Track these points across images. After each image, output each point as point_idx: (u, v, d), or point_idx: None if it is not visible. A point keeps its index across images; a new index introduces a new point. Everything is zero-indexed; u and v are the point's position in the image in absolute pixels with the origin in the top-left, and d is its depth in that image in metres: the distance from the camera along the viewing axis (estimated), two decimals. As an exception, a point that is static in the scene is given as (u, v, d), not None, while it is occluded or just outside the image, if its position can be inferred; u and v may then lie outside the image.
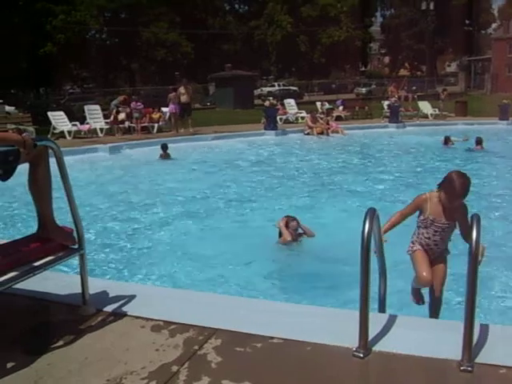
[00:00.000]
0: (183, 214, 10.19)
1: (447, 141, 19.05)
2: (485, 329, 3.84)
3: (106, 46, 59.03)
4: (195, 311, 4.38)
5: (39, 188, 4.15)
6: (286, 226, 7.73)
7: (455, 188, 4.25)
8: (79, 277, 4.30)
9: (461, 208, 4.36)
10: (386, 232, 4.41)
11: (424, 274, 4.53)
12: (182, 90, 22.87)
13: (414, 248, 4.60)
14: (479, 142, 17.49)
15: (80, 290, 4.32)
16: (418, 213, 4.63)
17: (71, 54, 47.01)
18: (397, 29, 78.37)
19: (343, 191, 12.19)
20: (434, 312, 4.74)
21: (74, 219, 4.17)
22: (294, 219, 7.83)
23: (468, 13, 70.18)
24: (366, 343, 3.61)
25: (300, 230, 7.86)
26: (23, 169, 3.98)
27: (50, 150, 4.07)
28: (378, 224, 3.94)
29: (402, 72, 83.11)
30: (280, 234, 7.77)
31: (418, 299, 4.97)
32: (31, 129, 19.54)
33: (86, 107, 23.81)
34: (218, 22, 64.01)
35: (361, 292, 3.60)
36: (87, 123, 22.36)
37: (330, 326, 4.03)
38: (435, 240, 4.45)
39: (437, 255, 4.59)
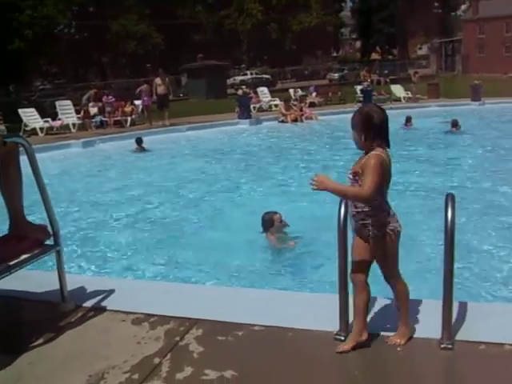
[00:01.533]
0: (160, 206, 10.14)
1: (409, 121, 19.35)
2: (463, 306, 3.89)
3: (75, 41, 58.34)
4: (175, 303, 4.37)
5: (11, 186, 4.10)
6: (272, 224, 7.53)
7: None
8: (56, 274, 4.26)
9: (364, 159, 3.45)
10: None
11: None
12: (158, 81, 22.34)
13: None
14: (455, 124, 17.62)
15: (58, 287, 4.29)
16: None
17: (40, 49, 46.41)
18: (367, 13, 78.54)
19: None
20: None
21: (49, 215, 4.13)
22: (276, 213, 7.69)
23: (437, -5, 70.70)
24: (346, 326, 3.64)
25: (284, 221, 7.69)
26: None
27: (21, 148, 4.02)
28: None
29: (374, 56, 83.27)
30: (266, 229, 7.58)
31: None
32: (2, 127, 19.28)
33: (57, 103, 23.49)
34: (187, 12, 63.57)
35: (339, 276, 3.61)
36: (59, 119, 22.07)
37: (311, 311, 4.04)
38: (351, 204, 3.54)
39: (358, 227, 3.53)
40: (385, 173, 3.37)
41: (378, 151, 3.40)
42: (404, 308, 3.59)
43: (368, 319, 3.66)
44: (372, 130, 3.43)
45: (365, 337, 3.52)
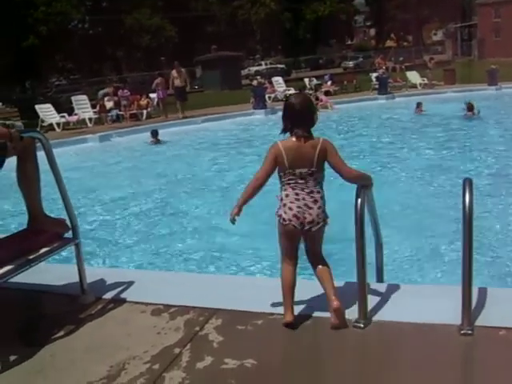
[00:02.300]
0: (178, 197, 10.18)
1: (419, 107, 19.31)
2: (483, 292, 3.86)
3: (89, 36, 58.64)
4: (194, 293, 4.39)
5: (28, 182, 4.13)
6: None
7: None
8: (76, 266, 4.29)
9: None
10: None
11: None
12: (174, 73, 22.29)
13: None
14: (470, 108, 17.38)
15: (77, 280, 4.32)
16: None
17: (55, 45, 46.62)
18: (381, 0, 77.88)
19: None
20: None
21: (67, 209, 4.16)
22: None
23: (451, -21, 69.83)
24: (365, 313, 3.63)
25: None
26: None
27: (38, 144, 4.05)
28: (370, 194, 3.92)
29: (389, 43, 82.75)
30: None
31: None
32: (19, 123, 19.40)
33: (73, 98, 23.62)
34: (200, 4, 63.51)
35: (358, 263, 3.61)
36: (75, 114, 22.22)
37: (329, 298, 4.03)
38: None
39: None
40: (277, 159, 3.69)
41: (281, 141, 3.75)
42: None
43: (383, 307, 3.67)
44: (286, 120, 3.74)
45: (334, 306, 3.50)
